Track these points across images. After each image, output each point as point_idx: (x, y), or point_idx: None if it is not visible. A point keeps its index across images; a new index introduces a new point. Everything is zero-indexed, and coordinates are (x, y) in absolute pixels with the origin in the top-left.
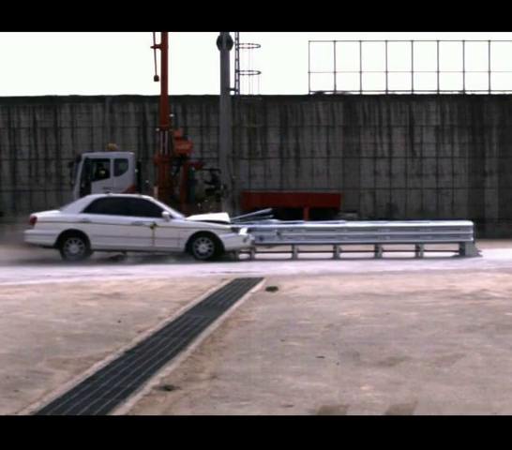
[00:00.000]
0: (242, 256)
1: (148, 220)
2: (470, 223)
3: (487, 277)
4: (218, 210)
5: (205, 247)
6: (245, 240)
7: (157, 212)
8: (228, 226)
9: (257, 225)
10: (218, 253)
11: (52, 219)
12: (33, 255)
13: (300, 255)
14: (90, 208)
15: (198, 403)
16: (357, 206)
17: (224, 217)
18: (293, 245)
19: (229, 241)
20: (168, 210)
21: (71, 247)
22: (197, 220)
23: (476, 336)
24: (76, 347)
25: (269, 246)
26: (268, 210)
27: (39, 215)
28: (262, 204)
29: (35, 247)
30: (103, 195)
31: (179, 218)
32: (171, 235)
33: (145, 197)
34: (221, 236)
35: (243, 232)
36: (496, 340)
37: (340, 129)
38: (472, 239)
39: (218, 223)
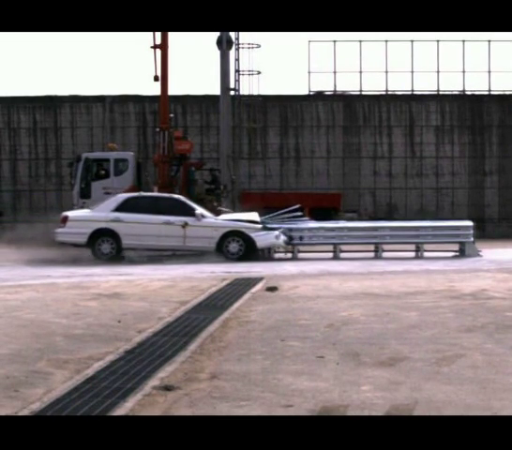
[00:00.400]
0: (277, 255)
1: (179, 219)
2: (470, 223)
3: (487, 277)
4: (215, 210)
5: (236, 247)
6: (277, 238)
7: (188, 211)
8: (258, 225)
9: (293, 225)
10: (249, 252)
11: (83, 218)
12: (64, 254)
13: (300, 255)
14: (121, 207)
15: (198, 403)
16: (357, 206)
17: (254, 216)
18: (335, 244)
19: (260, 239)
20: (199, 209)
21: (103, 246)
22: (227, 220)
23: (476, 336)
24: (76, 347)
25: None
26: (297, 206)
27: (71, 213)
28: (262, 204)
29: (65, 245)
30: (134, 194)
31: (210, 218)
32: (202, 234)
33: (176, 196)
34: (253, 235)
35: (272, 237)
36: (496, 340)
37: (340, 129)
38: (472, 239)
39: (248, 222)
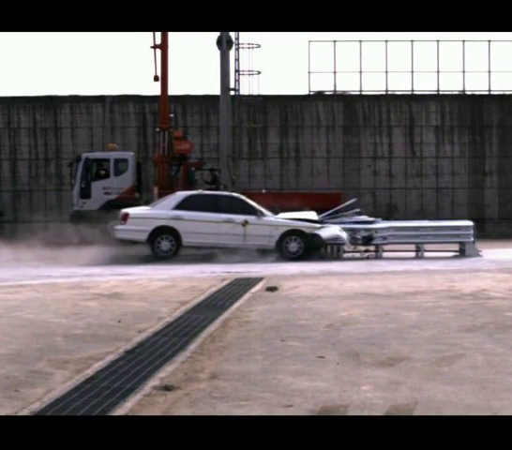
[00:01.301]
0: (348, 255)
1: (240, 218)
2: (470, 223)
3: (487, 277)
4: None
5: (295, 246)
6: (340, 231)
7: (247, 209)
8: (318, 224)
9: (371, 225)
10: (308, 252)
11: (144, 216)
12: (125, 253)
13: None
14: (181, 205)
15: (198, 403)
16: (357, 206)
17: (313, 215)
18: (418, 244)
19: (324, 231)
20: (259, 208)
21: (163, 243)
22: (287, 218)
23: (476, 336)
24: (76, 347)
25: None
26: (353, 200)
27: (131, 211)
28: (262, 204)
29: (123, 243)
30: (194, 192)
31: (270, 216)
32: (262, 233)
33: (236, 194)
34: (314, 230)
35: (336, 229)
36: (496, 340)
37: (340, 129)
38: (472, 239)
39: (307, 221)
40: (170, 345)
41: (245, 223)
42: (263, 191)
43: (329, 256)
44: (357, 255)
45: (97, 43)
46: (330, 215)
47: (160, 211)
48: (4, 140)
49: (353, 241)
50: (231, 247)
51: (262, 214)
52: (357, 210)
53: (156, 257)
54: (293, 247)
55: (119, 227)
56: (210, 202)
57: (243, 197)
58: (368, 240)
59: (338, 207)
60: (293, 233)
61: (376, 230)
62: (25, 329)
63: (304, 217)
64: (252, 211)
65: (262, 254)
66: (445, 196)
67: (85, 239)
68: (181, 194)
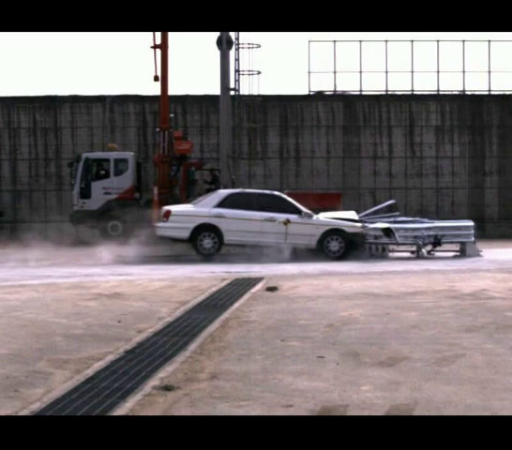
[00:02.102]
0: (397, 255)
1: (281, 216)
2: (471, 223)
3: (487, 277)
4: None
5: (336, 246)
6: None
7: (288, 208)
8: (359, 224)
9: (408, 225)
10: (349, 251)
11: (186, 213)
12: (168, 251)
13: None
14: (223, 203)
15: (198, 403)
16: (357, 206)
17: (352, 214)
18: (462, 243)
19: (372, 224)
20: (300, 207)
21: (205, 241)
22: (328, 218)
23: (476, 336)
24: (76, 347)
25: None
26: (392, 202)
27: (174, 208)
28: None
29: (165, 241)
30: (236, 190)
31: (311, 215)
32: (303, 232)
33: (277, 193)
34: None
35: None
36: (496, 340)
37: (340, 129)
38: (472, 239)
39: (347, 221)
40: (170, 345)
41: (286, 222)
42: None
43: (374, 256)
44: (404, 255)
45: (97, 43)
46: (368, 215)
47: (202, 209)
48: (4, 140)
49: (415, 241)
50: (272, 245)
51: (303, 213)
52: (397, 213)
53: (198, 254)
54: (335, 246)
55: (161, 224)
56: (252, 201)
57: (285, 196)
58: (437, 241)
59: (377, 208)
60: (334, 233)
61: (439, 230)
62: (25, 329)
63: (344, 216)
64: (294, 210)
65: (303, 253)
66: (445, 196)
67: (85, 239)
68: (223, 192)
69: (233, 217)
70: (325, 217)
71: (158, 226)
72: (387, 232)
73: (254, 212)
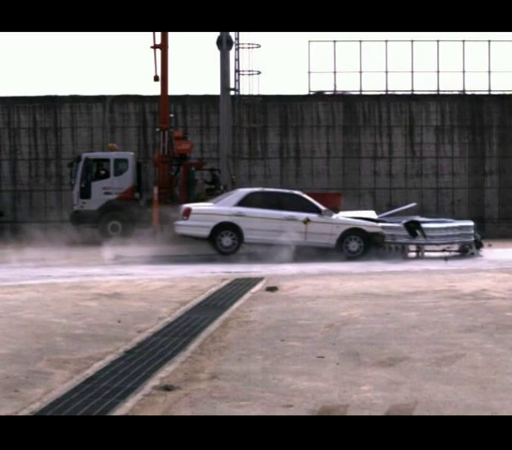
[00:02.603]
0: (427, 255)
1: (301, 215)
2: (471, 223)
3: (487, 277)
4: None
5: (356, 245)
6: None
7: (309, 207)
8: (378, 223)
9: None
10: (368, 251)
11: (206, 211)
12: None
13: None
14: (243, 202)
15: (198, 403)
16: (357, 206)
17: (372, 214)
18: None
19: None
20: (320, 206)
21: (224, 239)
22: (347, 217)
23: (476, 336)
24: (76, 347)
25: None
26: (413, 205)
27: (194, 206)
28: None
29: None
30: (256, 189)
31: (331, 215)
32: (323, 231)
33: (297, 192)
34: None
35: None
36: (496, 340)
37: (340, 129)
38: (473, 239)
39: (367, 220)
40: (170, 345)
41: (306, 221)
42: None
43: (394, 255)
44: (435, 255)
45: (97, 43)
46: (387, 216)
47: (223, 207)
48: (4, 140)
49: (446, 241)
50: (291, 244)
51: (323, 212)
52: (416, 216)
53: (218, 253)
54: (354, 245)
55: (181, 222)
56: (272, 200)
57: (305, 195)
58: (478, 241)
59: (397, 210)
60: (353, 232)
61: (466, 229)
62: (25, 329)
63: (363, 216)
64: (314, 209)
65: (322, 253)
66: (445, 196)
67: (85, 239)
68: (243, 191)
69: (254, 215)
70: (345, 216)
71: (177, 224)
72: (414, 230)
73: (274, 211)
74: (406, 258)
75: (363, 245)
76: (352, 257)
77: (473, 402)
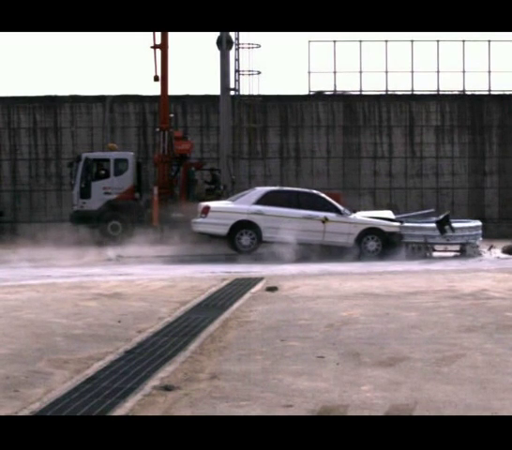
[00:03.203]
0: (438, 254)
1: (320, 214)
2: (480, 223)
3: (487, 277)
4: None
5: (374, 245)
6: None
7: (327, 206)
8: (396, 223)
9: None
10: (386, 250)
11: (225, 210)
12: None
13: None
14: (261, 200)
15: (198, 403)
16: (357, 206)
17: (389, 214)
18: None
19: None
20: (338, 205)
21: (243, 238)
22: (365, 217)
23: (476, 336)
24: (76, 347)
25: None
26: (431, 210)
27: (213, 204)
28: None
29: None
30: (275, 188)
31: (349, 214)
32: (341, 230)
33: (315, 191)
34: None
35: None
36: (496, 340)
37: (340, 129)
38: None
39: (384, 220)
40: (170, 345)
41: (324, 220)
42: None
43: (414, 255)
44: (448, 254)
45: (98, 43)
46: (404, 217)
47: (242, 205)
48: (4, 140)
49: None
50: (309, 243)
51: (342, 211)
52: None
53: (237, 251)
54: (372, 245)
55: (199, 220)
56: (290, 198)
57: (323, 194)
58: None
59: (414, 214)
60: (371, 232)
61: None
62: (25, 329)
63: (381, 215)
64: (332, 208)
65: (342, 252)
66: (445, 196)
67: (85, 239)
68: (262, 189)
69: (272, 214)
70: (363, 215)
71: (195, 222)
72: (443, 226)
73: (293, 210)
74: (431, 257)
75: (381, 244)
76: (369, 256)
77: (473, 402)
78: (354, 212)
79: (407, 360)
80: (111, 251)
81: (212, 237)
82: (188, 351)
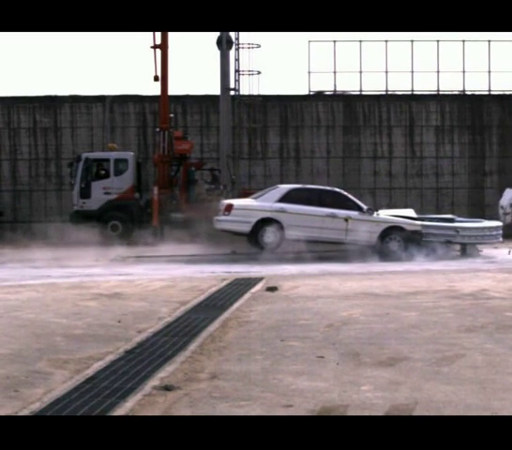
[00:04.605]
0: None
1: (342, 213)
2: (500, 223)
3: (487, 277)
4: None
5: (396, 244)
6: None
7: (349, 205)
8: (418, 222)
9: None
10: (408, 249)
11: (248, 207)
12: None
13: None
14: (284, 198)
15: (198, 403)
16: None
17: (411, 212)
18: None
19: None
20: (361, 204)
21: (266, 235)
22: (387, 215)
23: (476, 336)
24: (76, 347)
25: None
26: (451, 216)
27: (236, 202)
28: None
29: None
30: (297, 186)
31: (371, 213)
32: (363, 229)
33: (338, 189)
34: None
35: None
36: (496, 340)
37: (340, 129)
38: (501, 239)
39: (407, 219)
40: (170, 345)
41: (347, 218)
42: None
43: (444, 255)
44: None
45: (97, 43)
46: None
47: (265, 203)
48: (4, 140)
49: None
50: (332, 241)
51: (364, 210)
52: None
53: (260, 249)
54: (394, 244)
55: (222, 218)
56: (313, 197)
57: (345, 192)
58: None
59: (431, 216)
60: (393, 230)
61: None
62: (25, 329)
63: (403, 214)
64: (355, 207)
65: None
66: (445, 196)
67: (85, 239)
68: (285, 187)
69: (295, 212)
70: (385, 214)
71: (218, 219)
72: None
73: (315, 208)
74: (476, 256)
75: (403, 243)
76: (390, 255)
77: (473, 402)
78: (376, 210)
79: (407, 360)
80: (112, 252)
81: (235, 235)
82: (187, 351)
